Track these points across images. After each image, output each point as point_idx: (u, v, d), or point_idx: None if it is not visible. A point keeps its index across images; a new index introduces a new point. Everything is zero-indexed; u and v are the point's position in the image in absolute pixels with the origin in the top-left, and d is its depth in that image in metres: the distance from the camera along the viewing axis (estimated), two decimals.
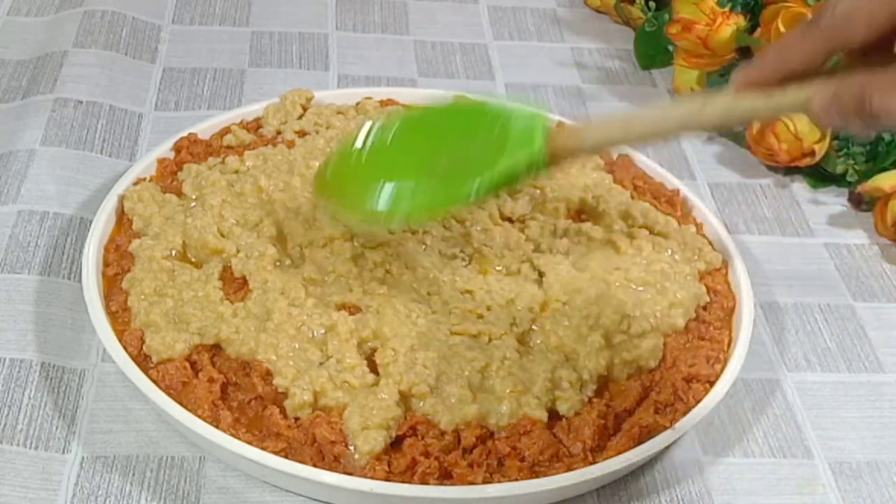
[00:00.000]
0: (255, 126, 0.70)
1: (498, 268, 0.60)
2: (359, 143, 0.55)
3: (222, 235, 0.60)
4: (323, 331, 0.54)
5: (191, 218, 0.61)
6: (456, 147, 0.53)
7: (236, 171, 0.64)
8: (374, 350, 0.54)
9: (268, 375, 0.52)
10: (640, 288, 0.59)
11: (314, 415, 0.51)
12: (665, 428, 0.52)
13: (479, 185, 0.51)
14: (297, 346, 0.53)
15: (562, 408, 0.53)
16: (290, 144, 0.68)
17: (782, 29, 0.72)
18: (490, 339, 0.55)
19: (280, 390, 0.52)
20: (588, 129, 0.51)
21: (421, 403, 0.52)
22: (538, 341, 0.56)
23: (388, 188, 0.53)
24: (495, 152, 0.51)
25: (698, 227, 0.65)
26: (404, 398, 0.52)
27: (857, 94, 0.41)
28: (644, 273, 0.59)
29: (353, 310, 0.56)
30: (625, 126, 0.50)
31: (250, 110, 0.71)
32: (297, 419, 0.51)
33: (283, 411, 0.51)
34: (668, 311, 0.57)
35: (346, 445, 0.50)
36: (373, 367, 0.54)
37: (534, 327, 0.56)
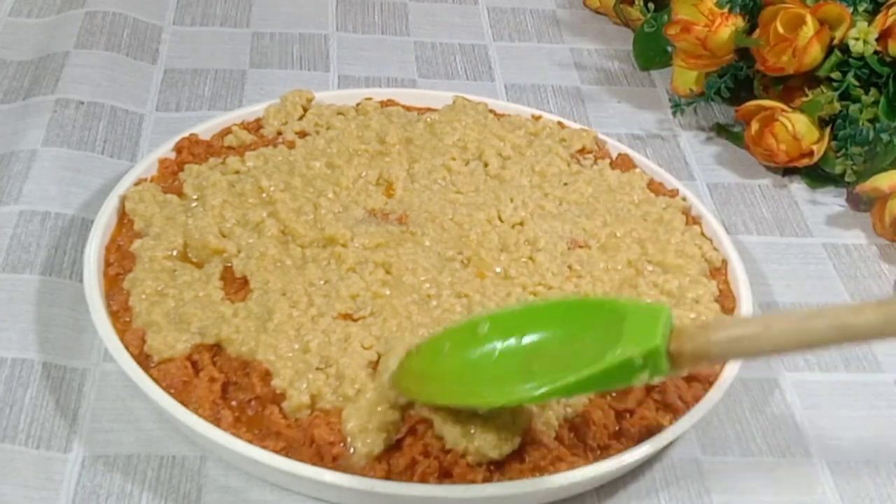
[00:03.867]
0: (255, 127, 0.70)
1: (497, 270, 0.60)
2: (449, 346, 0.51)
3: (223, 236, 0.60)
4: (322, 333, 0.54)
5: (192, 218, 0.61)
6: (563, 344, 0.47)
7: (237, 172, 0.65)
8: (377, 354, 0.54)
9: (267, 376, 0.52)
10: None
11: (312, 415, 0.51)
12: (664, 427, 0.53)
13: (582, 378, 0.45)
14: (296, 346, 0.54)
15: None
16: (291, 145, 0.68)
17: (781, 30, 0.73)
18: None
19: (278, 391, 0.52)
20: (720, 327, 0.44)
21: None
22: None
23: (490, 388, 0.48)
24: (606, 348, 0.45)
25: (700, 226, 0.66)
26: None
27: None
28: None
29: (353, 311, 0.56)
30: (766, 328, 0.43)
31: (251, 111, 0.71)
32: (296, 419, 0.51)
33: (282, 411, 0.51)
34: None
35: (345, 446, 0.50)
36: (375, 367, 0.54)
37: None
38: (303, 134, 0.69)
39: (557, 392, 0.47)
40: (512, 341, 0.48)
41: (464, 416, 0.51)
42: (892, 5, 0.72)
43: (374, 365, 0.53)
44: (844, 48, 0.73)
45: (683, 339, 0.43)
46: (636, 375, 0.44)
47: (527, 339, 0.48)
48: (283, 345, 0.53)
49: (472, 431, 0.50)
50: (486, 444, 0.50)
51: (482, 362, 0.49)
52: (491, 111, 0.73)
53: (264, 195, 0.63)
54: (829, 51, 0.73)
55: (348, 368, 0.52)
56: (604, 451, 0.51)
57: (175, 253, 0.59)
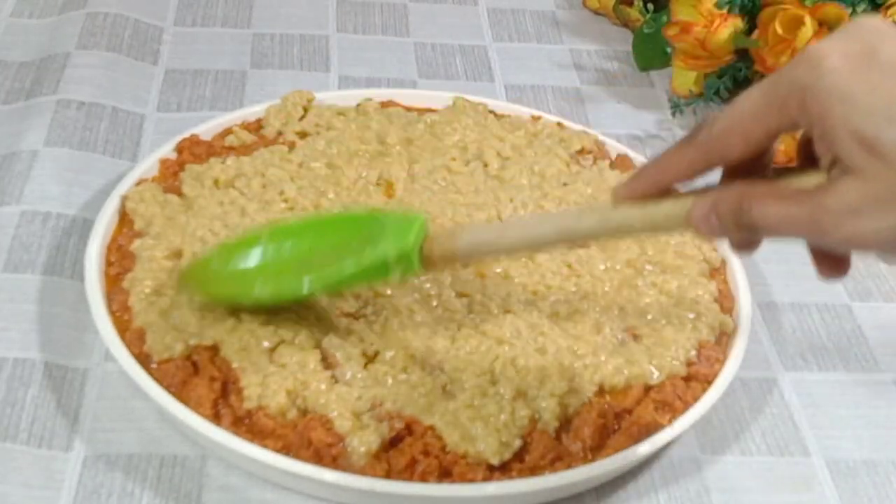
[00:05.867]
0: (256, 127, 0.71)
1: (497, 269, 0.60)
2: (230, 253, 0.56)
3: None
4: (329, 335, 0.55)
5: (192, 218, 0.61)
6: (333, 250, 0.53)
7: (238, 172, 0.65)
8: (375, 353, 0.54)
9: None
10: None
11: (307, 418, 0.51)
12: (663, 427, 0.53)
13: (344, 275, 0.51)
14: (265, 345, 0.54)
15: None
16: (291, 145, 0.68)
17: (779, 31, 0.73)
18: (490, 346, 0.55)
19: (251, 406, 0.51)
20: (464, 233, 0.50)
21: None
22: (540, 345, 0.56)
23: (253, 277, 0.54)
24: (366, 249, 0.51)
25: None
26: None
27: (734, 204, 0.41)
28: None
29: (355, 309, 0.56)
30: (501, 234, 0.49)
31: (252, 111, 0.71)
32: (290, 420, 0.51)
33: (269, 415, 0.51)
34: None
35: (344, 446, 0.50)
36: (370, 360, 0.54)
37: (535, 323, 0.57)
38: (303, 134, 0.69)
39: (323, 287, 0.53)
40: (287, 248, 0.55)
41: (465, 419, 0.51)
42: (890, 6, 0.72)
43: (371, 358, 0.54)
44: None
45: (434, 244, 0.50)
46: (390, 272, 0.51)
47: (300, 247, 0.54)
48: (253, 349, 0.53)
49: (474, 435, 0.50)
50: (488, 448, 0.50)
51: (259, 267, 0.55)
52: (491, 112, 0.74)
53: (265, 195, 0.63)
54: None
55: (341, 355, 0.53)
56: (603, 451, 0.52)
57: (175, 253, 0.59)
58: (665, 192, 0.44)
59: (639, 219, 0.44)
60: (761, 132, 0.40)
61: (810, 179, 0.40)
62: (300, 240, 0.55)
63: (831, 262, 0.42)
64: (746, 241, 0.43)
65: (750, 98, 0.40)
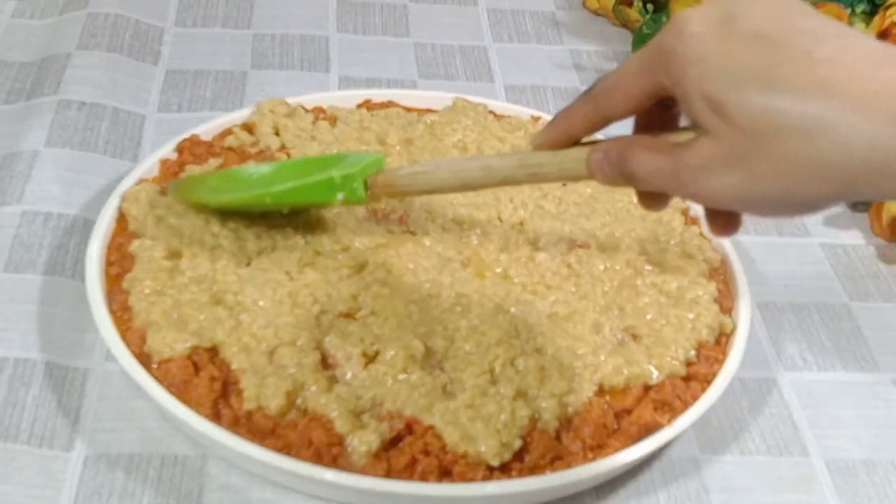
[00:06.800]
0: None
1: (497, 270, 0.61)
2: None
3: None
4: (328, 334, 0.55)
5: (186, 219, 0.61)
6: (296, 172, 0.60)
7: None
8: (376, 352, 0.55)
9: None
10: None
11: (307, 418, 0.51)
12: (663, 426, 0.53)
13: (294, 186, 0.57)
14: (263, 348, 0.54)
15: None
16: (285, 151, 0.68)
17: None
18: (488, 346, 0.55)
19: (251, 407, 0.51)
20: (405, 167, 0.56)
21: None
22: (538, 345, 0.56)
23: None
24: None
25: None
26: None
27: (620, 153, 0.45)
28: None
29: (354, 310, 0.57)
30: (435, 168, 0.54)
31: (251, 112, 0.71)
32: (290, 420, 0.51)
33: (268, 415, 0.51)
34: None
35: (344, 446, 0.50)
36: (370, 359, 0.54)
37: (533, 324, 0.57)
38: (283, 148, 0.69)
39: (276, 195, 0.58)
40: (263, 169, 0.62)
41: (465, 419, 0.51)
42: (889, 6, 0.72)
43: (371, 357, 0.54)
44: None
45: (379, 175, 0.55)
46: (335, 193, 0.56)
47: (273, 168, 0.62)
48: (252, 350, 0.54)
49: (474, 435, 0.50)
50: (489, 449, 0.50)
51: (240, 178, 0.61)
52: (490, 112, 0.74)
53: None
54: None
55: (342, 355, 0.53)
56: (602, 451, 0.52)
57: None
58: (574, 142, 0.48)
59: (551, 162, 0.49)
60: (638, 92, 0.44)
61: (685, 136, 0.43)
62: (276, 166, 0.62)
63: (723, 221, 0.47)
64: (633, 186, 0.46)
65: (631, 61, 0.44)
